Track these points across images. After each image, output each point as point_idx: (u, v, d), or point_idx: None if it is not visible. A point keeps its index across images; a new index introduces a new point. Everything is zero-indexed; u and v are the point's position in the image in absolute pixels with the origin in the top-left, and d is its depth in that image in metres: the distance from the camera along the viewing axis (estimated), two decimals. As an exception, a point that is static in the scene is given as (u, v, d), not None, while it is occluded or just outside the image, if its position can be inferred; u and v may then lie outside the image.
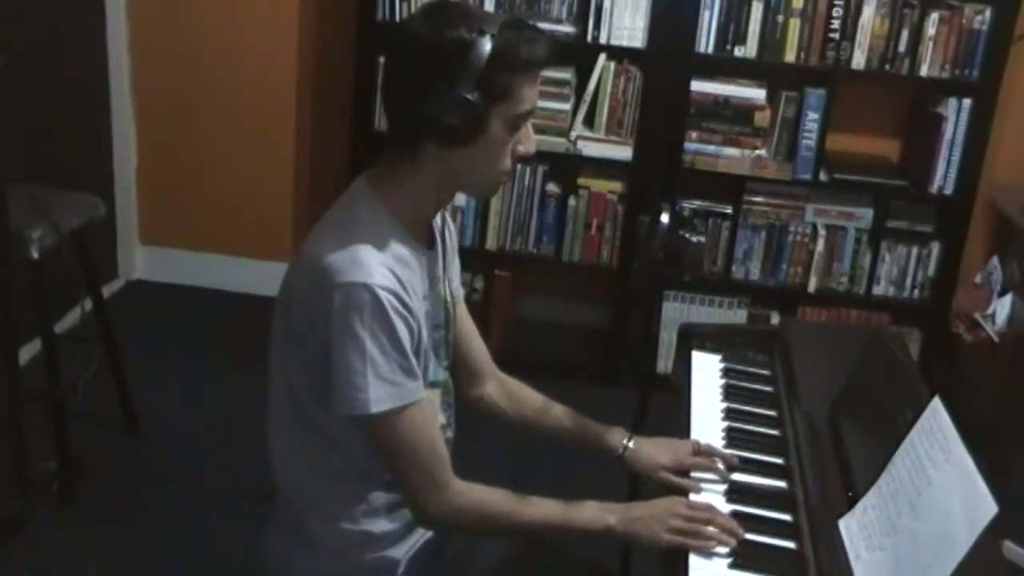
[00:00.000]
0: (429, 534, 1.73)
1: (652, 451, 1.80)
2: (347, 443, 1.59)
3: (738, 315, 3.64)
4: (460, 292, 1.80)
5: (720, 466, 1.75)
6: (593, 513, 1.62)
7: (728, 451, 1.79)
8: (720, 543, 1.54)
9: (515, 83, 1.50)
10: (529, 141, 1.59)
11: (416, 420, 1.53)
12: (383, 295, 1.46)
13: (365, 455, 1.59)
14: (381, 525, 1.65)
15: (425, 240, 1.63)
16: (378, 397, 1.48)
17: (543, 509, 1.61)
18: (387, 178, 1.58)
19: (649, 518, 1.59)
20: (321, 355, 1.49)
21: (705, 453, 1.77)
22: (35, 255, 2.57)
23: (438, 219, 1.70)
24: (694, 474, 1.74)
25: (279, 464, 1.66)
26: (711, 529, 1.56)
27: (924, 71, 3.35)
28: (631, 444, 1.82)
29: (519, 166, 3.52)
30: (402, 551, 1.69)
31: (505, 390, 1.89)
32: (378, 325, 1.46)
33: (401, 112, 1.55)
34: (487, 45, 1.46)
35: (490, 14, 1.55)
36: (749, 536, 1.56)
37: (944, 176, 3.43)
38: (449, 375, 1.75)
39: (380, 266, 1.48)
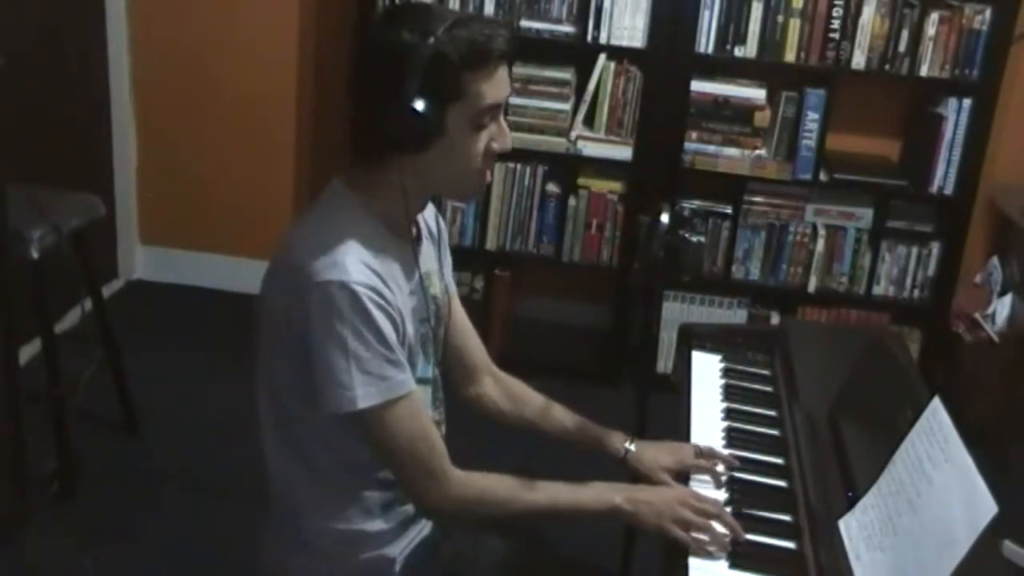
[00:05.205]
0: (425, 532, 1.73)
1: (654, 453, 1.79)
2: (336, 443, 1.57)
3: (738, 315, 3.64)
4: (454, 288, 1.79)
5: (720, 468, 1.75)
6: (599, 493, 1.61)
7: (728, 451, 1.78)
8: (719, 547, 1.53)
9: (467, 81, 1.46)
10: (503, 137, 1.55)
11: (408, 412, 1.51)
12: (361, 291, 1.44)
13: (355, 454, 1.58)
14: (375, 524, 1.64)
15: (407, 235, 1.60)
16: (365, 393, 1.46)
17: (547, 492, 1.60)
18: (360, 180, 1.56)
19: (658, 503, 1.59)
20: (303, 356, 1.48)
21: (706, 456, 1.77)
22: (35, 255, 2.57)
23: (425, 214, 1.69)
24: (695, 476, 1.74)
25: (272, 465, 1.65)
26: (716, 526, 1.55)
27: (924, 71, 3.35)
28: (632, 447, 1.81)
29: (518, 166, 3.54)
30: (397, 550, 1.67)
31: (504, 389, 1.87)
32: (359, 321, 1.45)
33: (358, 118, 1.53)
34: (428, 48, 1.43)
35: (445, 12, 1.48)
36: (749, 536, 1.56)
37: (944, 176, 3.43)
38: (439, 372, 1.73)
39: (357, 263, 1.46)
